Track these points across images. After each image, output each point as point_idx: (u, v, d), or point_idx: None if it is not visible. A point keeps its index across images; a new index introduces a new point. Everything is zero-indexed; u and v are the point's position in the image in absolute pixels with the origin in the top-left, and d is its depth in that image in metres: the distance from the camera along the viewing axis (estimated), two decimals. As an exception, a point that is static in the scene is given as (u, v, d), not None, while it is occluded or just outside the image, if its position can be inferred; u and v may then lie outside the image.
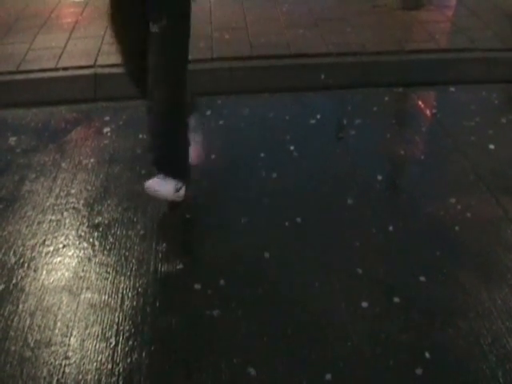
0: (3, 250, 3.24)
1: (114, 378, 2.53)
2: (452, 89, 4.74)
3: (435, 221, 3.36)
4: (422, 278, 2.96)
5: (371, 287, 2.93)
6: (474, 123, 4.27)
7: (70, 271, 3.10)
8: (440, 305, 2.83)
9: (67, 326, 2.78)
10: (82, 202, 3.59)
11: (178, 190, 3.33)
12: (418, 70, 4.88)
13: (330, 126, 4.28)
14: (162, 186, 3.30)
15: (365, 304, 2.82)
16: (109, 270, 3.09)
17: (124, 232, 3.34)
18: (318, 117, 4.32)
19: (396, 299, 2.85)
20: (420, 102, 4.59)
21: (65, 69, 4.90)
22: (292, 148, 3.99)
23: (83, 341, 2.71)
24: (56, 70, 4.90)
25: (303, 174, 3.75)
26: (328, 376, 2.51)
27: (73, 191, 3.68)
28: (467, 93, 4.69)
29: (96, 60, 4.97)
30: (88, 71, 4.86)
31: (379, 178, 3.69)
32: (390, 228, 3.29)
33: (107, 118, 4.47)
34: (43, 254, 3.21)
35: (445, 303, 2.85)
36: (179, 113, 3.28)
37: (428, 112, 4.49)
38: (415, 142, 4.10)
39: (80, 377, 2.55)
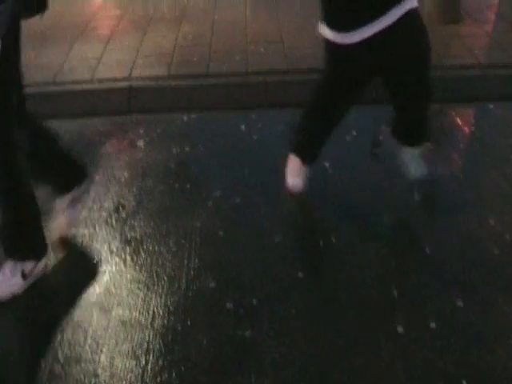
0: (35, 264, 3.24)
1: (143, 399, 2.50)
2: (491, 106, 4.64)
3: (474, 243, 3.27)
4: (460, 303, 2.88)
5: (407, 311, 2.85)
6: (514, 141, 4.18)
7: (101, 287, 3.08)
8: (478, 330, 2.75)
9: (97, 343, 2.76)
10: (114, 216, 3.58)
11: None
12: (456, 86, 4.79)
13: (366, 142, 4.20)
14: None
15: (400, 329, 2.75)
16: (140, 286, 3.07)
17: (156, 248, 3.32)
18: (354, 133, 4.26)
19: (432, 324, 2.77)
20: (458, 119, 4.50)
21: (100, 81, 4.92)
22: (327, 165, 3.93)
23: (113, 358, 2.68)
24: (91, 81, 4.92)
25: (338, 191, 3.69)
26: (362, 402, 2.45)
27: (106, 205, 3.67)
28: (507, 110, 4.60)
29: (131, 72, 4.98)
30: (123, 84, 4.88)
31: (416, 197, 3.63)
32: (427, 249, 3.21)
33: (141, 131, 4.46)
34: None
35: (483, 329, 2.76)
36: None
37: (466, 129, 4.41)
38: (453, 160, 4.02)
39: (109, 396, 2.52)
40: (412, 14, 2.94)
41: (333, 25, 3.03)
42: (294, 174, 3.58)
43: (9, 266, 3.07)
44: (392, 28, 2.89)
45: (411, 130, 3.52)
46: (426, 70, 3.17)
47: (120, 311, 2.93)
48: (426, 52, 3.11)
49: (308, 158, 3.59)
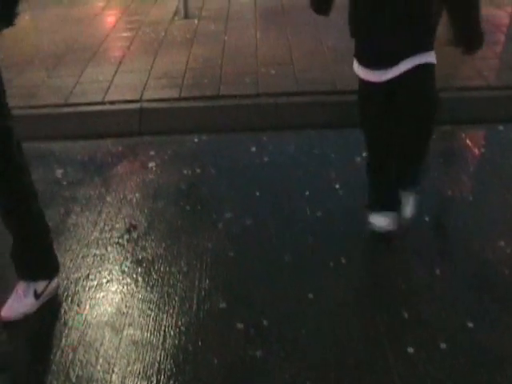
0: (48, 284, 3.26)
1: (154, 419, 2.51)
2: (501, 127, 4.66)
3: (483, 264, 3.27)
4: (470, 324, 2.87)
5: (417, 332, 2.85)
6: (524, 163, 4.19)
7: (112, 307, 3.10)
8: (488, 352, 2.74)
9: (109, 363, 2.77)
10: (126, 236, 3.60)
11: None
12: (466, 108, 4.81)
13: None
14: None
15: (410, 349, 2.75)
16: (151, 306, 3.08)
17: (167, 268, 3.33)
18: (364, 154, 4.27)
19: (443, 345, 2.77)
20: (468, 141, 4.52)
21: (111, 103, 4.97)
22: (337, 186, 3.96)
23: (125, 378, 2.69)
24: (103, 103, 4.97)
25: (349, 212, 3.71)
26: (372, 424, 2.45)
27: (117, 226, 3.70)
28: (517, 131, 4.62)
29: (142, 94, 5.03)
30: (134, 105, 4.93)
31: (426, 218, 3.63)
32: (437, 271, 3.22)
33: (152, 153, 4.50)
34: (87, 289, 3.22)
35: (493, 350, 2.75)
36: None
37: (476, 151, 4.42)
38: (463, 182, 4.03)
39: (121, 416, 2.53)
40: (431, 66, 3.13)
41: (357, 58, 3.17)
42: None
43: (21, 286, 3.09)
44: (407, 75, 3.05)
45: (405, 175, 3.53)
46: (431, 119, 3.24)
47: (131, 331, 2.94)
48: (434, 105, 3.20)
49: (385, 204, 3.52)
